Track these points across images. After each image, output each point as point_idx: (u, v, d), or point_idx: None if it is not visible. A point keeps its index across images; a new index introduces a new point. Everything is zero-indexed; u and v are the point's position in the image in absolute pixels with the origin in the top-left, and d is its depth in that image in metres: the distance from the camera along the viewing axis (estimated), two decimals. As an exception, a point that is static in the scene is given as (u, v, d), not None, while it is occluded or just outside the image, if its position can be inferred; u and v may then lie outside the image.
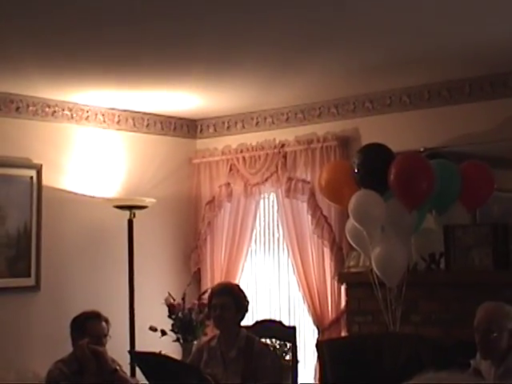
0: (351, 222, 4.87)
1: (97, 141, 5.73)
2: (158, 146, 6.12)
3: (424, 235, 4.82)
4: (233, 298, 4.81)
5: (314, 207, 5.51)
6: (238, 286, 5.01)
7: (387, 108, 5.48)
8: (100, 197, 5.62)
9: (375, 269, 4.76)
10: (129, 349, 5.44)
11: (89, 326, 4.69)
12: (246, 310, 4.90)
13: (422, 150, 5.15)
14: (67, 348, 4.77)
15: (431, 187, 4.49)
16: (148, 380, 4.57)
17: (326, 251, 5.48)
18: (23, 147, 5.32)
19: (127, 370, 5.15)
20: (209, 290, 5.40)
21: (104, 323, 4.74)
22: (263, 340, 5.07)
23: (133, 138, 5.96)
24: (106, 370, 4.69)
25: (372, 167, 4.70)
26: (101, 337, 4.71)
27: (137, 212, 5.58)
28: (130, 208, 5.55)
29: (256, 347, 4.81)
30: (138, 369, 4.90)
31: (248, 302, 4.90)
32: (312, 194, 5.53)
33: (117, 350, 5.02)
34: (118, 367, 4.75)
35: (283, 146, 5.76)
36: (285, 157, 5.72)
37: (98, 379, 4.67)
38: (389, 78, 5.17)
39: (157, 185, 5.86)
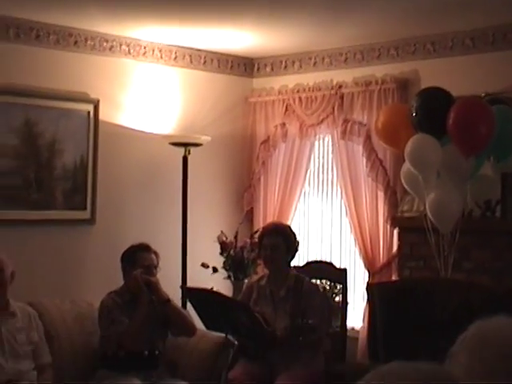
0: (407, 166, 4.82)
1: (153, 77, 5.73)
2: (214, 84, 6.10)
3: (480, 182, 4.74)
4: (283, 239, 4.84)
5: (370, 150, 5.47)
6: (288, 226, 5.03)
7: (449, 51, 5.36)
8: (156, 133, 5.65)
9: (429, 214, 4.72)
10: (181, 284, 5.51)
11: (139, 258, 4.79)
12: (296, 251, 4.93)
13: (483, 95, 5.04)
14: (119, 280, 4.87)
15: (491, 133, 4.41)
16: (198, 315, 4.64)
17: (380, 195, 5.45)
18: (81, 81, 5.35)
19: (179, 305, 5.23)
20: (260, 230, 5.45)
21: (153, 255, 4.82)
22: (313, 281, 5.11)
23: (189, 75, 5.95)
24: (159, 299, 4.78)
25: (430, 111, 4.62)
26: (151, 267, 4.80)
27: (192, 149, 5.60)
28: (185, 145, 5.57)
29: (305, 287, 4.85)
30: (189, 304, 4.98)
31: (298, 242, 4.92)
32: (368, 137, 5.48)
33: (169, 285, 5.11)
34: (170, 298, 4.84)
35: (340, 87, 5.70)
36: (342, 98, 5.66)
37: (151, 309, 4.76)
38: (451, 20, 5.05)
39: (212, 123, 5.86)
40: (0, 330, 4.45)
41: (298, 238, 4.99)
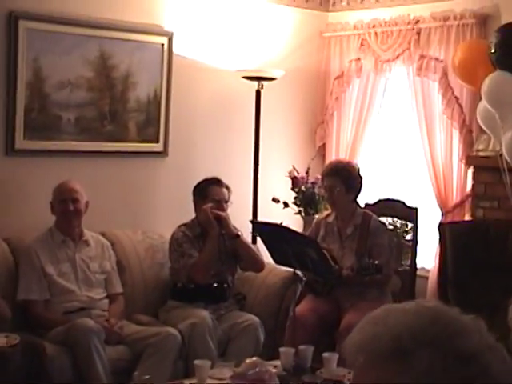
0: (483, 105, 4.71)
1: (227, 11, 5.67)
2: (288, 18, 6.02)
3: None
4: (341, 179, 4.78)
5: (446, 87, 5.34)
6: (347, 164, 4.96)
7: (532, -15, 5.16)
8: (229, 67, 5.62)
9: (505, 154, 4.62)
10: (251, 218, 5.54)
11: (210, 191, 4.83)
12: (360, 188, 4.87)
13: None
14: (190, 213, 4.93)
15: None
16: (268, 249, 4.68)
17: (455, 133, 5.34)
18: (155, 14, 5.34)
19: (248, 239, 5.28)
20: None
21: (225, 189, 4.86)
22: (384, 219, 5.08)
23: (264, 9, 5.87)
24: (229, 234, 4.83)
25: (510, 48, 4.48)
26: (222, 202, 4.84)
27: (265, 84, 5.56)
28: (259, 79, 5.54)
29: (372, 225, 4.83)
30: (258, 238, 5.02)
31: (361, 179, 4.86)
32: (444, 74, 5.35)
33: (239, 219, 5.15)
34: (239, 233, 4.88)
35: (417, 22, 5.55)
36: (418, 34, 5.52)
37: (221, 243, 4.82)
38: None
39: (286, 57, 5.80)
40: (74, 258, 4.58)
41: (364, 174, 4.94)
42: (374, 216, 4.89)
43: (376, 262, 4.45)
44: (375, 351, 1.11)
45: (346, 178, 4.81)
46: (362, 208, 4.95)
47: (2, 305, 4.14)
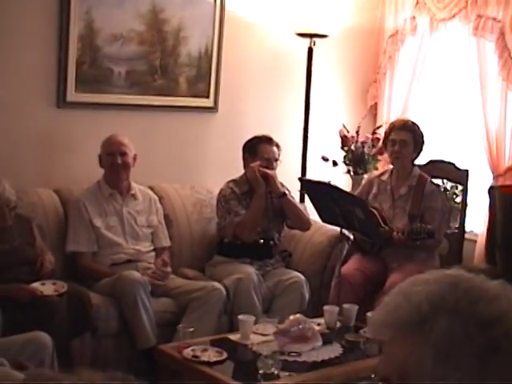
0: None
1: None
2: (343, -26, 5.92)
3: None
4: (413, 135, 4.78)
5: (502, 48, 5.22)
6: (417, 124, 4.93)
7: None
8: (281, 23, 5.57)
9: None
10: (300, 176, 5.53)
11: (260, 149, 4.82)
12: (422, 149, 4.86)
13: None
14: (239, 169, 4.94)
15: None
16: (315, 207, 4.68)
17: (510, 95, 5.23)
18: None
19: (296, 196, 5.29)
20: (387, 124, 5.36)
21: (275, 148, 4.85)
22: (434, 180, 5.03)
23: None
24: (275, 192, 4.84)
25: None
26: (271, 160, 4.84)
27: (317, 41, 5.50)
28: (311, 36, 5.48)
29: (427, 187, 4.79)
30: (306, 196, 5.01)
31: (424, 141, 4.83)
32: (501, 34, 5.22)
33: (288, 176, 5.15)
34: (286, 191, 4.88)
35: (476, -21, 5.42)
36: (476, -8, 5.39)
37: (268, 201, 4.83)
38: None
39: (339, 15, 5.71)
40: (121, 211, 4.62)
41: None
42: (430, 178, 4.85)
43: (429, 227, 4.42)
44: (397, 323, 1.12)
45: (416, 134, 4.80)
46: (418, 169, 4.90)
47: (51, 260, 4.21)
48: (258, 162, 4.79)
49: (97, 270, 4.46)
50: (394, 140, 4.81)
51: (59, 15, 4.74)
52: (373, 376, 1.17)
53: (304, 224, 4.92)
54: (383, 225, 4.68)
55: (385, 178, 4.97)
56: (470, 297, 1.10)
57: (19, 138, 4.73)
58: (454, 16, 5.54)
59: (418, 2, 5.77)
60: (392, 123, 5.00)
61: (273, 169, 4.84)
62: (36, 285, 3.95)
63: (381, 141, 5.42)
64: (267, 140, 4.88)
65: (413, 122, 4.90)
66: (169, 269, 4.51)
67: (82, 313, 3.96)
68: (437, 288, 1.12)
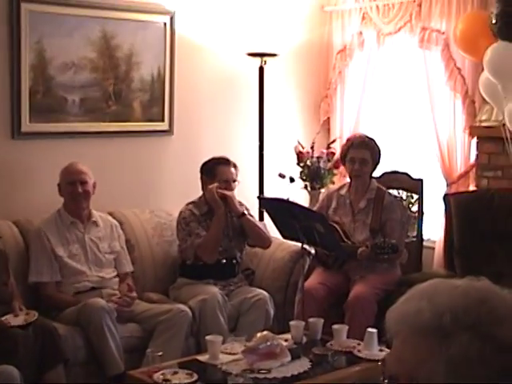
0: (485, 75, 4.72)
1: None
2: (289, -7, 6.01)
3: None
4: (371, 152, 4.86)
5: (448, 58, 5.34)
6: (371, 138, 5.01)
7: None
8: (231, 44, 5.63)
9: (508, 124, 4.64)
10: (258, 194, 5.58)
11: (218, 171, 4.86)
12: (379, 164, 4.95)
13: None
14: (197, 191, 4.97)
15: None
16: (275, 224, 4.72)
17: (458, 103, 5.35)
18: (157, -7, 5.35)
19: (256, 214, 5.33)
20: (342, 139, 5.43)
21: (233, 168, 4.89)
22: (390, 191, 5.11)
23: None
24: (235, 212, 4.88)
25: (511, 18, 4.49)
26: (229, 181, 4.87)
27: (268, 60, 5.57)
28: (262, 55, 5.55)
29: (387, 199, 4.87)
30: (266, 214, 5.06)
31: (381, 155, 4.92)
32: (446, 45, 5.35)
33: (247, 195, 5.20)
34: (245, 211, 4.92)
35: (419, -6, 5.54)
36: (419, 6, 5.50)
37: (228, 221, 4.87)
38: None
39: (288, 33, 5.80)
40: (84, 239, 4.62)
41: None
42: (388, 191, 4.93)
43: (392, 241, 4.49)
44: (416, 326, 1.13)
45: (374, 151, 4.87)
46: (376, 182, 4.98)
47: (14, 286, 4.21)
48: (215, 184, 4.83)
49: (61, 299, 4.45)
50: (353, 158, 4.88)
51: (10, 46, 4.74)
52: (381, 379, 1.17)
53: (264, 242, 4.97)
54: (345, 239, 4.75)
55: (343, 192, 5.04)
56: (493, 317, 1.10)
57: (-25, 170, 4.71)
58: (399, 29, 5.66)
59: (364, 18, 5.88)
60: (349, 140, 5.06)
61: (231, 190, 4.88)
62: (9, 316, 3.96)
63: (336, 155, 5.50)
64: (225, 161, 4.91)
65: (370, 138, 4.97)
66: (134, 294, 4.52)
67: (51, 344, 3.94)
68: (462, 301, 1.12)
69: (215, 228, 4.80)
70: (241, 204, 4.96)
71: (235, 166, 4.93)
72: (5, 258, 4.24)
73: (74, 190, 4.55)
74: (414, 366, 1.12)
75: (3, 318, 3.97)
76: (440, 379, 1.09)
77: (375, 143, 4.95)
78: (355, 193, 4.97)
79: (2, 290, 4.13)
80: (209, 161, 4.94)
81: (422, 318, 1.12)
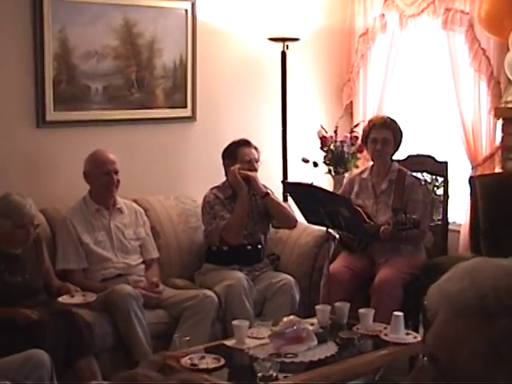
0: (511, 56, 4.68)
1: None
2: (311, -23, 5.98)
3: None
4: (393, 132, 4.85)
5: (472, 39, 5.29)
6: (395, 120, 5.00)
7: None
8: (253, 29, 5.61)
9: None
10: (281, 179, 5.57)
11: (240, 153, 4.87)
12: (400, 145, 4.93)
13: None
14: (221, 176, 4.98)
15: None
16: (299, 209, 4.73)
17: (483, 85, 5.31)
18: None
19: (280, 199, 5.31)
20: (364, 123, 5.41)
21: (254, 149, 4.89)
22: (415, 174, 5.09)
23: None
24: (258, 193, 4.88)
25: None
26: (252, 162, 4.88)
27: (290, 44, 5.55)
28: (283, 40, 5.53)
29: (408, 180, 4.86)
30: (290, 198, 5.06)
31: (403, 136, 4.91)
32: (470, 26, 5.30)
33: (270, 180, 5.20)
34: (269, 191, 4.93)
35: (441, -26, 5.49)
36: (443, -14, 5.47)
37: (252, 203, 4.88)
38: None
39: (309, 17, 5.77)
40: (109, 225, 4.65)
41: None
42: (409, 172, 4.92)
43: (414, 217, 4.48)
44: (458, 306, 1.12)
45: (396, 132, 4.87)
46: (397, 164, 4.96)
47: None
48: (237, 165, 4.83)
49: (88, 286, 4.47)
50: (375, 138, 4.87)
51: (33, 35, 4.76)
52: (420, 356, 1.16)
53: (290, 221, 4.96)
54: (368, 221, 4.74)
55: (365, 175, 5.03)
56: None
57: (1, 159, 4.74)
58: (422, 11, 5.62)
59: (386, 0, 5.84)
60: (371, 121, 5.05)
61: (255, 170, 4.89)
62: (65, 297, 4.12)
63: (359, 139, 5.48)
64: (245, 143, 4.92)
65: (391, 119, 4.97)
66: (160, 288, 4.53)
67: (80, 334, 3.98)
68: (506, 282, 1.10)
69: (239, 209, 4.80)
70: (265, 187, 4.96)
71: (256, 148, 4.93)
72: (39, 242, 4.29)
73: (110, 181, 4.57)
74: (455, 345, 1.11)
75: (60, 299, 4.11)
76: (481, 360, 1.09)
77: (396, 124, 4.93)
78: (377, 175, 4.96)
79: (38, 279, 4.18)
80: (230, 145, 4.96)
81: (464, 298, 1.12)
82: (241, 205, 4.81)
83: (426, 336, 1.18)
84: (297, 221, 4.95)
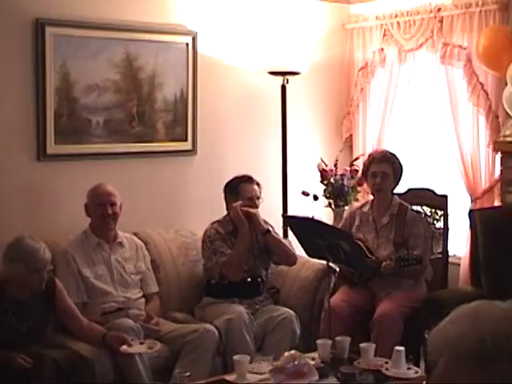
0: (509, 90, 4.72)
1: (249, 7, 5.69)
2: (310, 11, 6.03)
3: None
4: (392, 167, 4.87)
5: (470, 74, 5.34)
6: (395, 154, 5.02)
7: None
8: (253, 63, 5.65)
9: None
10: (282, 213, 5.58)
11: (242, 189, 4.88)
12: (401, 179, 4.95)
13: None
14: (222, 210, 4.98)
15: None
16: (300, 242, 4.71)
17: (481, 119, 5.34)
18: (179, 14, 5.38)
19: (280, 233, 5.32)
20: (365, 156, 5.43)
21: (256, 186, 4.90)
22: (414, 207, 5.10)
23: (285, 3, 5.88)
24: (259, 230, 4.88)
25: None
26: (253, 198, 4.89)
27: (290, 78, 5.59)
28: (283, 74, 5.57)
29: (409, 215, 4.87)
30: (290, 232, 5.06)
31: (403, 170, 4.92)
32: (468, 61, 5.35)
33: (270, 213, 5.20)
34: (270, 228, 4.93)
35: (439, 10, 5.53)
36: (441, 22, 5.51)
37: (253, 239, 4.87)
38: None
39: (309, 51, 5.81)
40: (109, 259, 4.64)
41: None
42: (410, 206, 4.93)
43: (416, 253, 4.49)
44: (458, 350, 1.13)
45: (396, 166, 4.89)
46: (398, 198, 4.98)
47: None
48: (239, 202, 4.84)
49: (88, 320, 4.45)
50: (374, 173, 4.89)
51: (35, 69, 4.79)
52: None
53: (290, 258, 4.96)
54: (369, 255, 4.75)
55: (366, 209, 5.04)
56: None
57: (2, 193, 4.75)
58: (421, 46, 5.66)
59: (385, 35, 5.90)
60: (371, 155, 5.08)
61: (256, 207, 4.89)
62: (125, 347, 4.11)
63: (359, 172, 5.50)
64: (248, 179, 4.93)
65: (391, 153, 4.99)
66: (155, 320, 4.52)
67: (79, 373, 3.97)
68: (504, 326, 1.11)
69: (240, 246, 4.81)
70: (265, 222, 4.97)
71: (258, 184, 4.94)
72: (51, 286, 4.18)
73: (104, 212, 4.57)
74: None
75: (122, 348, 4.09)
76: None
77: (396, 158, 4.96)
78: (378, 209, 4.97)
79: (43, 329, 4.14)
80: (232, 180, 4.96)
81: (464, 343, 1.13)
82: (242, 242, 4.81)
83: (430, 379, 1.19)
84: (297, 258, 4.95)
